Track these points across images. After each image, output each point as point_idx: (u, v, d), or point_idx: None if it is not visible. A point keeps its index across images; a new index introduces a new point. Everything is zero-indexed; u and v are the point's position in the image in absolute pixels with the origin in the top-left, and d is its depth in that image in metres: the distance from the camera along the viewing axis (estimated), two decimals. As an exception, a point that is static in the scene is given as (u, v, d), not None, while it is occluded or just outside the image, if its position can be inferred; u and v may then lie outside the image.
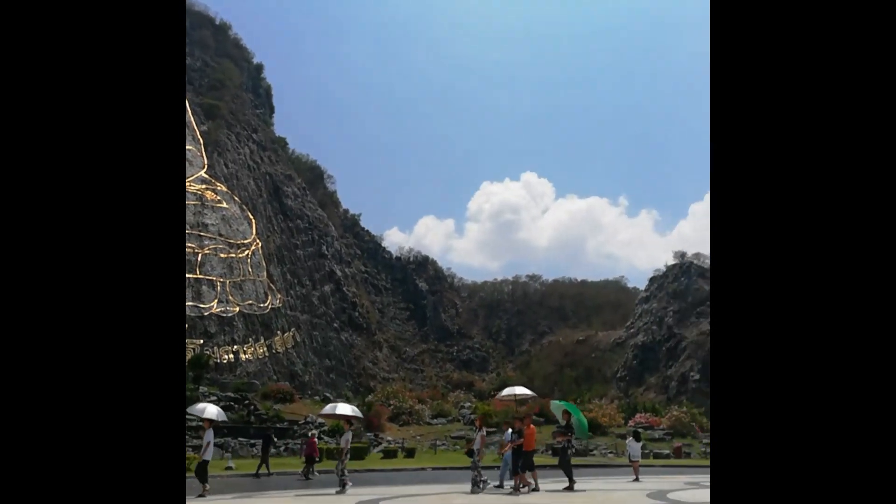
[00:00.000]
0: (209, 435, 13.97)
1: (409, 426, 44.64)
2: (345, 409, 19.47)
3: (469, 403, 50.82)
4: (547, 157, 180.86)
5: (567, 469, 13.21)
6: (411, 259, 78.10)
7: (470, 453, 13.92)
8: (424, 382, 57.91)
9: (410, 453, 33.63)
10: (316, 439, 23.34)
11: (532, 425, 13.98)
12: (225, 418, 18.44)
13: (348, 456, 14.74)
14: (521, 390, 17.90)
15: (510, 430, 14.97)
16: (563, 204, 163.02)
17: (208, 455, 13.63)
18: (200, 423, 26.41)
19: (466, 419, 45.29)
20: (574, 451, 13.20)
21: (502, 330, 77.66)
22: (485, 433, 15.04)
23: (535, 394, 19.49)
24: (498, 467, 15.85)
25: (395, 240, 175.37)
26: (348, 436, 15.09)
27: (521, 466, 12.92)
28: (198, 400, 34.08)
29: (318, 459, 22.16)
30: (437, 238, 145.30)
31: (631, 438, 18.32)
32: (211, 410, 16.46)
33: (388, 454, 32.92)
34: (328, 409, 20.54)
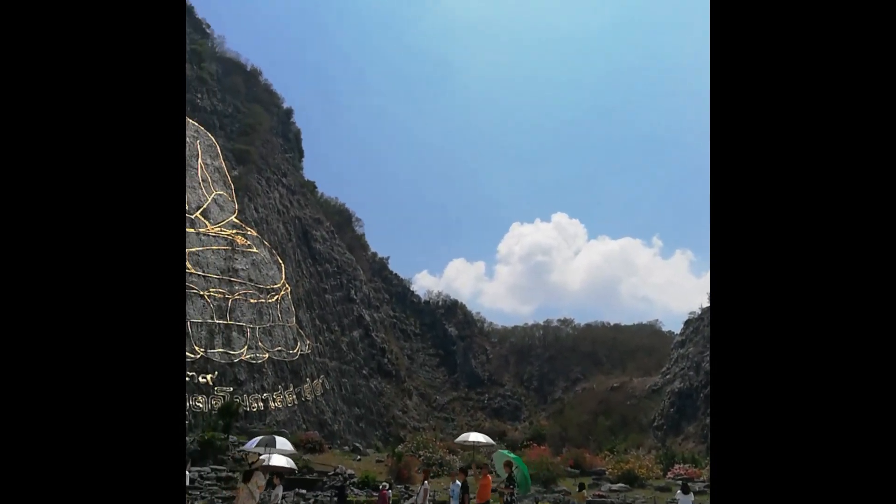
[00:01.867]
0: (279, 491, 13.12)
1: (440, 478, 44.96)
2: (279, 460, 17.59)
3: (500, 453, 50.81)
4: (578, 197, 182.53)
5: None
6: (440, 303, 79.09)
7: None
8: (455, 432, 58.12)
9: (439, 507, 34.01)
10: (388, 491, 22.75)
11: (488, 475, 13.51)
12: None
13: None
14: (476, 436, 17.12)
15: (456, 481, 14.42)
16: (596, 245, 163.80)
17: None
18: (232, 474, 26.72)
19: (499, 471, 45.41)
20: None
21: (534, 377, 77.67)
22: (428, 486, 14.39)
23: (492, 441, 18.16)
24: None
25: (424, 283, 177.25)
26: (278, 491, 14.49)
27: None
28: (227, 450, 35.12)
29: None
30: (467, 281, 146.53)
31: (679, 492, 18.20)
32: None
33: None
34: (262, 453, 16.88)
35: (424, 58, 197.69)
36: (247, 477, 11.42)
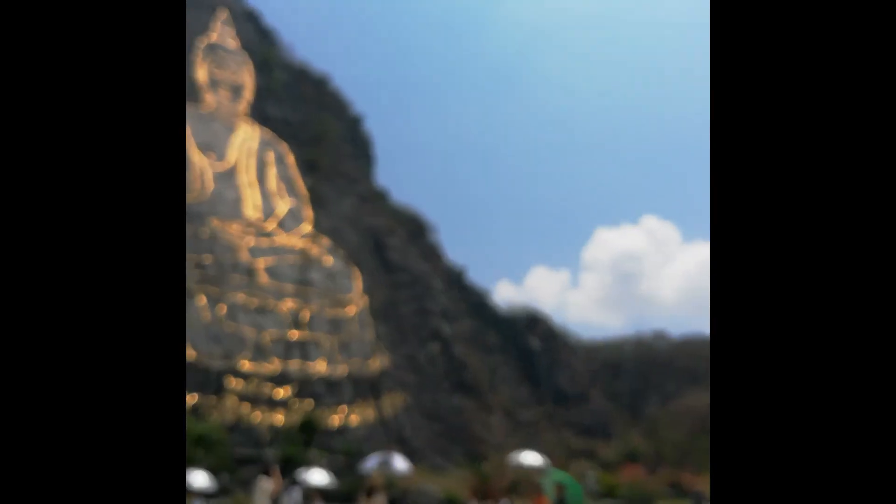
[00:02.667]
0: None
1: (525, 498, 43.47)
2: (318, 477, 18.62)
3: (593, 473, 49.08)
4: (669, 198, 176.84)
5: None
6: (522, 315, 77.48)
7: None
8: (542, 449, 56.49)
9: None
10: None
11: (543, 497, 13.23)
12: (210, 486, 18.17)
13: None
14: (530, 458, 16.59)
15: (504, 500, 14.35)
16: (690, 250, 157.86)
17: None
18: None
19: (592, 491, 43.74)
20: None
21: (625, 393, 75.06)
22: None
23: (545, 462, 17.81)
24: None
25: (504, 293, 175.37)
26: None
27: None
28: (309, 464, 34.78)
29: None
30: (550, 291, 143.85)
31: None
32: (199, 479, 16.29)
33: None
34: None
35: (497, 59, 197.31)
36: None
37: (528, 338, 73.48)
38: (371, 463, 15.55)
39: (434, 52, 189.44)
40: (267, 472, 12.42)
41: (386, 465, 15.20)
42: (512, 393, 66.88)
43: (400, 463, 15.09)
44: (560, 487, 12.66)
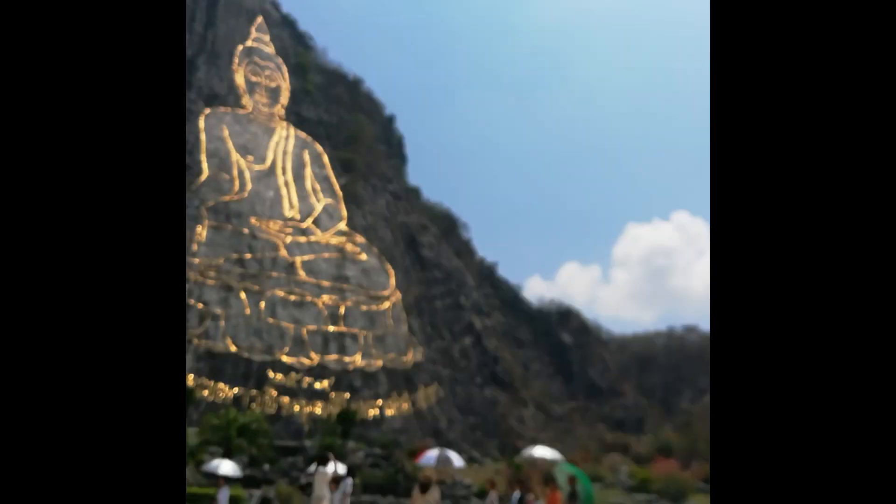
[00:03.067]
0: (224, 493, 14.19)
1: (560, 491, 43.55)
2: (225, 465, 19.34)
3: (626, 468, 49.02)
4: (700, 193, 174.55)
5: None
6: (553, 310, 77.55)
7: None
8: (575, 443, 56.50)
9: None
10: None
11: (557, 490, 13.40)
12: (239, 474, 18.54)
13: None
14: (542, 451, 16.72)
15: (518, 491, 14.53)
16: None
17: None
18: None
19: (624, 485, 43.74)
20: None
21: (658, 387, 74.61)
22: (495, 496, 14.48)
23: (557, 455, 17.76)
24: None
25: (536, 289, 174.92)
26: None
27: None
28: (346, 457, 35.41)
29: None
30: (581, 286, 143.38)
31: None
32: (226, 466, 16.57)
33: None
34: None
35: (526, 60, 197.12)
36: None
37: (560, 332, 73.55)
38: (430, 458, 15.84)
39: (464, 54, 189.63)
40: (325, 462, 12.85)
41: (446, 460, 15.44)
42: (544, 387, 67.03)
43: (457, 459, 15.42)
44: (572, 479, 13.01)
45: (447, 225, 76.17)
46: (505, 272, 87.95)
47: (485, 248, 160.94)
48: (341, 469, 16.02)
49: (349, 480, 14.98)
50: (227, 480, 14.63)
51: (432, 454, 16.00)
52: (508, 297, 75.77)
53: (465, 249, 75.70)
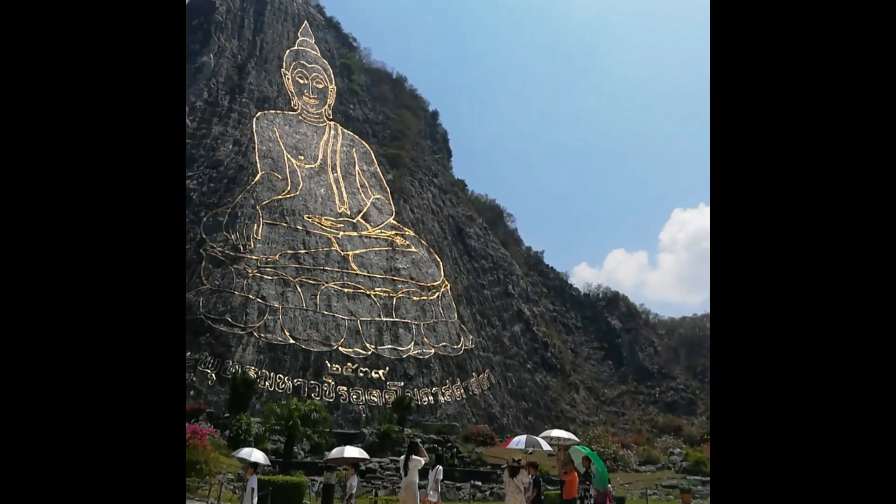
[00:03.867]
0: (253, 480, 14.21)
1: (615, 472, 43.36)
2: (352, 451, 19.69)
3: (679, 450, 48.39)
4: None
5: None
6: (601, 295, 76.87)
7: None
8: (627, 426, 56.11)
9: (620, 502, 32.68)
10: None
11: (574, 472, 13.35)
12: (268, 462, 18.74)
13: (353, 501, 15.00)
14: (558, 433, 16.56)
15: (528, 475, 14.37)
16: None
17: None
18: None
19: (678, 467, 43.20)
20: (592, 502, 12.51)
21: (708, 369, 73.28)
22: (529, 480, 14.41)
23: (575, 437, 17.52)
24: None
25: (583, 276, 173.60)
26: (353, 481, 15.41)
27: None
28: (403, 442, 35.87)
29: None
30: (628, 272, 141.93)
31: None
32: (258, 455, 16.52)
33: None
34: (336, 452, 20.17)
35: (570, 48, 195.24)
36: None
37: (609, 318, 72.99)
38: (518, 442, 15.96)
39: (505, 47, 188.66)
40: (416, 450, 13.22)
41: (537, 444, 15.53)
42: (595, 371, 66.65)
43: (545, 444, 15.54)
44: (587, 460, 13.09)
45: (493, 216, 76.25)
46: (551, 260, 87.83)
47: (531, 238, 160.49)
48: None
49: (439, 468, 15.32)
50: (256, 468, 14.94)
51: (521, 439, 16.15)
52: (556, 285, 75.48)
53: (511, 239, 75.64)
